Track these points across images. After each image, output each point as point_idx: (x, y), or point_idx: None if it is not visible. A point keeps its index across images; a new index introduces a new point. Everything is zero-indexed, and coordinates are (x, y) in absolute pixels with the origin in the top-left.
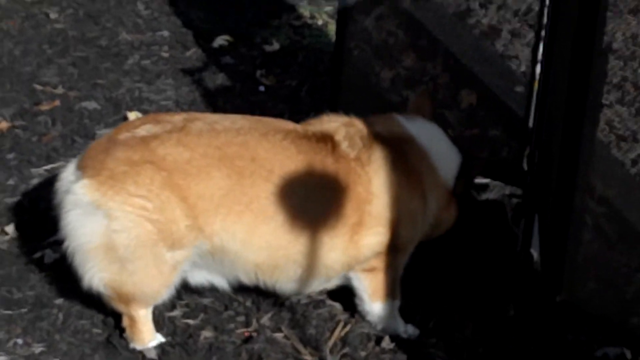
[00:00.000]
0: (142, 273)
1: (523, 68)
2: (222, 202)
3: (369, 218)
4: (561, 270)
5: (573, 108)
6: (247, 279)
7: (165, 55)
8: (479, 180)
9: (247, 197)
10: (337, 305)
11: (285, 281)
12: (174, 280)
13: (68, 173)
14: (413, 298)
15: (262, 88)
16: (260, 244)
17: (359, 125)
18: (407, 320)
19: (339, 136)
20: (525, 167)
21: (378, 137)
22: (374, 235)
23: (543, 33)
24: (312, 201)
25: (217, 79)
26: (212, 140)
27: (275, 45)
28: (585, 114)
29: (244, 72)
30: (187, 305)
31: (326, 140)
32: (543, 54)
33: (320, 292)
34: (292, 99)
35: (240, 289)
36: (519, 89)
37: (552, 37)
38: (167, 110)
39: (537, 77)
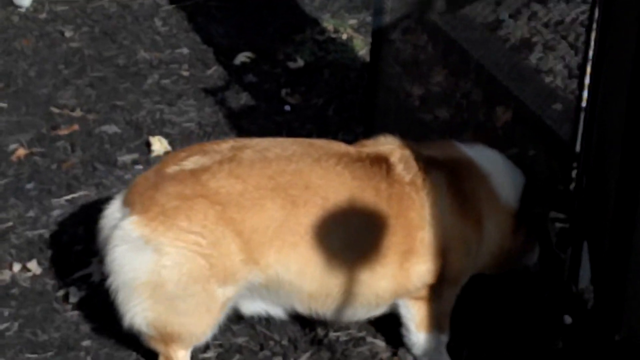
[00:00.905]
0: (192, 311)
1: (559, 82)
2: (276, 234)
3: (420, 246)
4: (621, 306)
5: (633, 133)
6: (301, 308)
7: (186, 74)
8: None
9: (301, 227)
10: (378, 343)
11: (337, 310)
12: (221, 319)
13: (113, 210)
14: (459, 332)
15: (287, 107)
16: (314, 273)
17: (414, 148)
18: (453, 358)
19: (394, 158)
20: (572, 191)
21: (434, 161)
22: (424, 264)
23: (591, 51)
24: (365, 228)
25: (240, 99)
26: (264, 170)
27: (300, 62)
28: None
29: (268, 91)
30: (221, 346)
31: (381, 162)
32: (591, 75)
33: (360, 328)
34: (319, 118)
35: (276, 325)
36: (556, 106)
37: (601, 54)
38: (190, 132)
39: (585, 100)
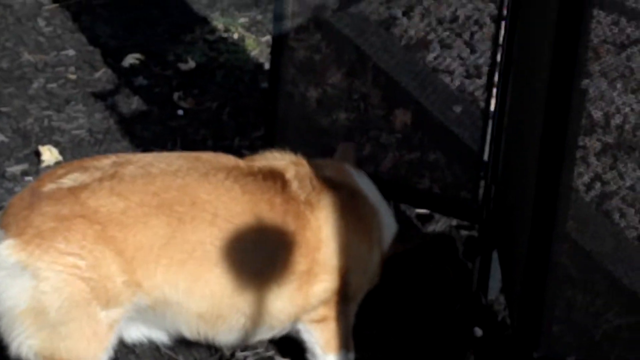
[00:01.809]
0: (76, 336)
1: (458, 83)
2: (162, 253)
3: (317, 266)
4: (538, 323)
5: (549, 148)
6: (188, 332)
7: (73, 77)
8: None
9: (189, 245)
10: None
11: (227, 332)
12: (111, 341)
13: None
14: (368, 350)
15: (180, 112)
16: (204, 292)
17: (307, 166)
18: None
19: (289, 175)
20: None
21: (329, 182)
22: (322, 283)
23: (499, 55)
24: (259, 246)
25: (131, 103)
26: (148, 187)
27: (191, 63)
28: (563, 156)
29: (160, 95)
30: None
31: (275, 178)
32: (500, 78)
33: (268, 347)
34: (214, 123)
35: (181, 347)
36: (457, 108)
37: (509, 55)
38: (81, 140)
39: (493, 109)
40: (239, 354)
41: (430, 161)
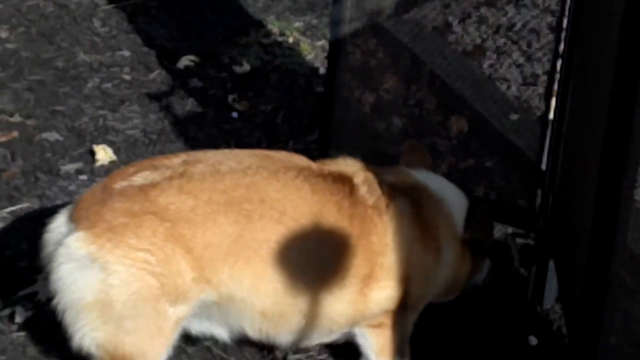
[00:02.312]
0: (142, 332)
1: (514, 91)
2: (230, 250)
3: (381, 271)
4: (596, 337)
5: (611, 158)
6: (251, 329)
7: (127, 77)
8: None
9: (256, 242)
10: None
11: (288, 332)
12: (174, 339)
13: (59, 224)
14: (423, 358)
15: (235, 114)
16: (267, 290)
17: (377, 172)
18: None
19: (358, 179)
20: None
21: (396, 187)
22: (383, 290)
23: (558, 63)
24: (324, 247)
25: (186, 105)
26: (216, 185)
27: (246, 66)
28: (625, 166)
29: (215, 97)
30: None
31: (344, 181)
32: (559, 86)
33: (320, 351)
34: (268, 125)
35: (233, 348)
36: (513, 116)
37: (569, 63)
38: (135, 140)
39: (553, 115)
40: (292, 357)
41: (487, 168)
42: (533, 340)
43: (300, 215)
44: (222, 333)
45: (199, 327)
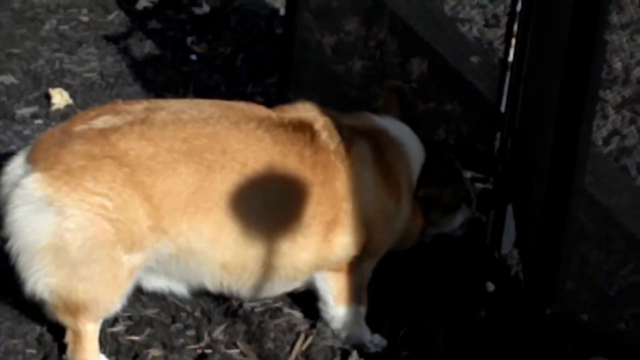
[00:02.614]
0: (96, 278)
1: (475, 32)
2: (190, 201)
3: (345, 216)
4: (553, 280)
5: (568, 100)
6: (211, 283)
7: (85, 19)
8: None
9: (216, 193)
10: (296, 314)
11: (251, 284)
12: (128, 288)
13: (15, 166)
14: (379, 304)
15: (194, 57)
16: (228, 242)
17: (335, 116)
18: (374, 330)
19: (318, 125)
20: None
21: (357, 131)
22: (349, 235)
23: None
24: (288, 196)
25: (144, 47)
26: (177, 133)
27: (205, 8)
28: (583, 108)
29: (174, 39)
30: (130, 319)
31: (304, 129)
32: (519, 28)
33: (276, 299)
34: (227, 68)
35: (188, 297)
36: (474, 58)
37: (530, 5)
38: (92, 83)
39: (511, 59)
40: (247, 305)
41: (446, 112)
42: (490, 287)
43: (262, 166)
44: (179, 288)
45: (155, 283)
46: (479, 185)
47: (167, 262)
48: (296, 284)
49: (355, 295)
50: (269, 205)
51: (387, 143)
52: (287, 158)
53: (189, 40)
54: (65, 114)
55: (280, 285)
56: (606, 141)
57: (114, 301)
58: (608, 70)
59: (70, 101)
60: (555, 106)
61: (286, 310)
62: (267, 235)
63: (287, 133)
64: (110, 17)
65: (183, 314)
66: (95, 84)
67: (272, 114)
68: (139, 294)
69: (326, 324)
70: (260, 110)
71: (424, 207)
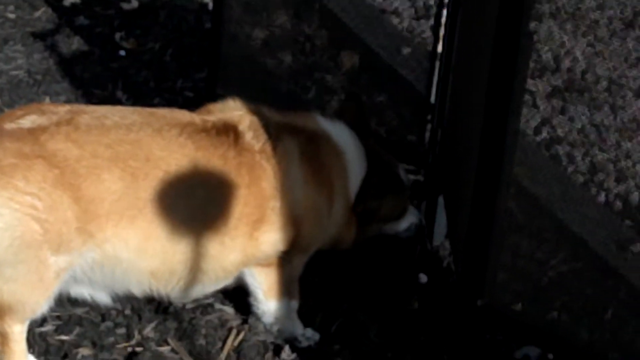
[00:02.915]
0: (22, 279)
1: (406, 24)
2: (113, 208)
3: (272, 214)
4: (483, 271)
5: (496, 91)
6: (139, 290)
7: (12, 16)
8: None
9: (141, 202)
10: (228, 310)
11: (181, 288)
12: (55, 291)
13: None
14: (311, 297)
15: (122, 52)
16: (155, 250)
17: (265, 115)
18: (306, 324)
19: (243, 126)
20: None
21: (286, 128)
22: (276, 232)
23: None
24: (213, 200)
25: (72, 44)
26: (101, 138)
27: (134, 3)
28: (510, 98)
29: (102, 35)
30: (59, 318)
31: (228, 131)
32: (447, 23)
33: (208, 295)
34: (156, 64)
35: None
36: (405, 50)
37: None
38: (19, 81)
39: (440, 51)
40: (178, 303)
41: (376, 104)
42: (423, 278)
43: (185, 173)
44: (102, 297)
45: (79, 290)
46: (411, 177)
47: (92, 270)
48: (226, 282)
49: (285, 290)
50: (194, 210)
51: (324, 145)
52: (211, 162)
53: (118, 36)
54: None
55: (210, 286)
56: (537, 131)
57: (40, 303)
58: (537, 60)
59: None
60: (484, 97)
61: (218, 306)
62: (194, 241)
63: (210, 137)
64: (37, 13)
65: (113, 312)
66: (22, 82)
67: (196, 118)
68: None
69: (258, 319)
70: (184, 116)
71: (361, 220)
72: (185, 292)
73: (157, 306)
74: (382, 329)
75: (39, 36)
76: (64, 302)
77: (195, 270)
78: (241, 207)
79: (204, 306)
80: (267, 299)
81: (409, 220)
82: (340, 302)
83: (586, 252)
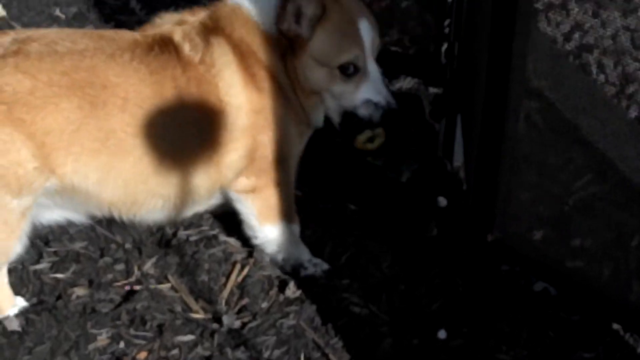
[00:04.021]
0: None
1: None
2: (74, 139)
3: (225, 132)
4: (492, 206)
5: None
6: (100, 214)
7: None
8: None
9: (102, 133)
10: (232, 241)
11: (147, 214)
12: (24, 229)
13: None
14: (320, 225)
15: None
16: (117, 182)
17: (190, 19)
18: (315, 252)
19: (178, 37)
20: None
21: (209, 28)
22: (233, 152)
23: None
24: (170, 126)
25: None
26: (56, 65)
27: None
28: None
29: None
30: (55, 254)
31: (169, 46)
32: None
33: (213, 226)
34: None
35: (119, 227)
36: None
37: None
38: None
39: None
40: (182, 233)
41: (401, 9)
42: (442, 202)
43: (143, 99)
44: (74, 217)
45: (49, 217)
46: (433, 90)
47: (53, 197)
48: (203, 206)
49: (280, 212)
50: (153, 139)
51: (238, 24)
52: (164, 87)
53: None
54: None
55: (183, 210)
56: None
57: (9, 245)
58: None
59: (3, 13)
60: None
61: (222, 238)
62: (156, 169)
63: (158, 58)
64: None
65: (113, 246)
66: None
67: (139, 37)
68: (67, 227)
69: (262, 251)
70: (127, 36)
71: (294, 39)
72: (152, 217)
73: (160, 239)
74: (396, 259)
75: None
76: (62, 236)
77: (158, 197)
78: (196, 128)
79: (208, 238)
80: (262, 225)
81: (365, 93)
82: (351, 230)
83: (614, 173)
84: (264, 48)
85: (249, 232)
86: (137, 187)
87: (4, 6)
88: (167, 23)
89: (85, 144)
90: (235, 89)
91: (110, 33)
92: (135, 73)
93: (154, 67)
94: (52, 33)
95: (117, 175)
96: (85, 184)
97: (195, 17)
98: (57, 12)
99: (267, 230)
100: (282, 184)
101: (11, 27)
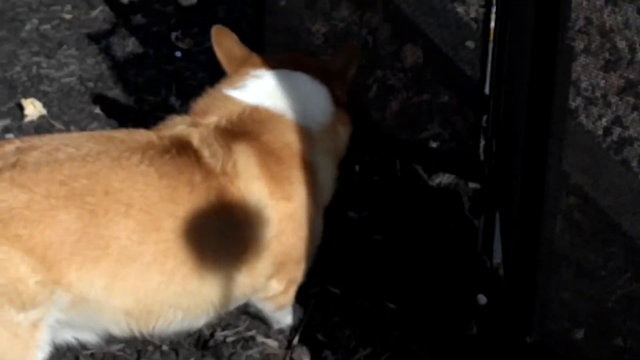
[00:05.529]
0: None
1: (473, 14)
2: (75, 250)
3: (251, 244)
4: (531, 305)
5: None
6: (118, 330)
7: (68, 17)
8: None
9: (103, 240)
10: (270, 343)
11: (164, 326)
12: (41, 339)
13: None
14: (358, 325)
15: (178, 54)
16: (125, 289)
17: (204, 122)
18: (348, 356)
19: (197, 141)
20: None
21: (226, 133)
22: (263, 261)
23: None
24: (183, 234)
25: (127, 45)
26: (54, 175)
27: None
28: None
29: (158, 35)
30: (92, 356)
31: (187, 150)
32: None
33: (250, 326)
34: (213, 65)
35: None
36: (469, 43)
37: None
38: (70, 89)
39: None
40: (219, 334)
41: (441, 104)
42: (482, 299)
43: (149, 205)
44: (88, 337)
45: (63, 336)
46: (473, 185)
47: (69, 312)
48: (221, 313)
49: (293, 299)
50: (163, 244)
51: (263, 126)
52: (177, 192)
53: (173, 35)
54: (39, 126)
55: (201, 320)
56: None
57: (26, 356)
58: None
59: (43, 111)
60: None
61: (260, 339)
62: (165, 277)
63: (174, 161)
64: (94, 13)
65: (150, 348)
66: (73, 90)
67: (154, 138)
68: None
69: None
70: (142, 137)
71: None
72: (172, 329)
73: (197, 339)
74: (436, 358)
75: (94, 38)
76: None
77: (175, 308)
78: (216, 238)
79: (245, 339)
80: (275, 312)
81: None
82: (395, 321)
83: None
84: (298, 142)
85: (262, 318)
86: (147, 296)
87: (45, 105)
88: (180, 124)
89: (87, 253)
90: (263, 202)
91: (121, 134)
92: (142, 177)
93: (166, 170)
94: (56, 139)
95: (124, 281)
96: (94, 291)
97: (209, 119)
98: (97, 110)
99: (280, 315)
100: (300, 277)
101: (52, 126)
